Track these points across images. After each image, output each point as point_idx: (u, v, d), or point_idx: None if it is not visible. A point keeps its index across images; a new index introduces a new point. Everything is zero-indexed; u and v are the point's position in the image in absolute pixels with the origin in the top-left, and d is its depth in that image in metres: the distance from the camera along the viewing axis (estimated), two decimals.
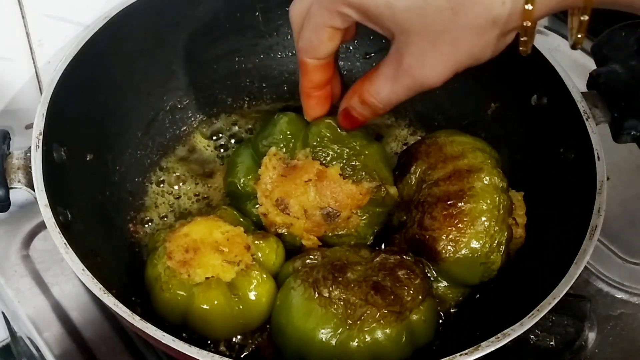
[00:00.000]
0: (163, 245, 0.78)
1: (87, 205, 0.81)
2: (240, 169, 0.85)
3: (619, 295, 0.93)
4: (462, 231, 0.77)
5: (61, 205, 0.72)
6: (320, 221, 0.81)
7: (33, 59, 0.89)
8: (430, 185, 0.81)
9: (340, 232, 0.83)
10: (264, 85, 1.02)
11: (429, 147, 0.84)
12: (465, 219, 0.77)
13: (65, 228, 0.70)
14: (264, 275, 0.77)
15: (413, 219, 0.81)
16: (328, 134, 0.81)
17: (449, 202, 0.78)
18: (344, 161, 0.81)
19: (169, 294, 0.75)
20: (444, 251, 0.77)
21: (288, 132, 0.83)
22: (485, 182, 0.78)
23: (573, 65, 1.11)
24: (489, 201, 0.77)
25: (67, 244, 0.67)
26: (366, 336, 0.71)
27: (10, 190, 0.73)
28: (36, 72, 0.91)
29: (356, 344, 0.71)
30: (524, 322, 0.66)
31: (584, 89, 0.83)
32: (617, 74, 0.81)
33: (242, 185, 0.84)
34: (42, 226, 0.94)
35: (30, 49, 0.88)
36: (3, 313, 0.99)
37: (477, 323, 0.79)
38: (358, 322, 0.71)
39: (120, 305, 0.66)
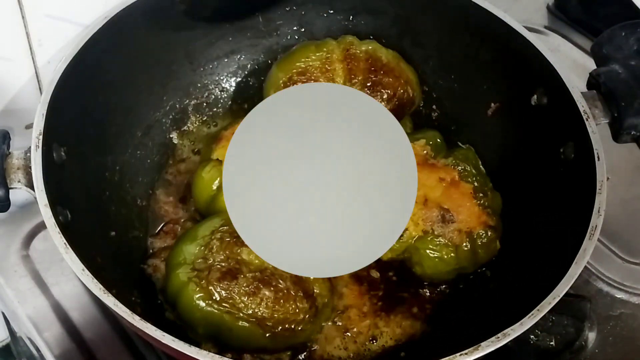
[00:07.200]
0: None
1: (87, 205, 0.80)
2: None
3: (619, 295, 0.93)
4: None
5: (61, 205, 0.72)
6: (433, 218, 0.83)
7: (33, 59, 0.89)
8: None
9: (438, 241, 0.83)
10: (264, 85, 1.02)
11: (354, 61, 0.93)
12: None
13: (65, 228, 0.70)
14: None
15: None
16: (474, 161, 0.88)
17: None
18: (478, 187, 0.85)
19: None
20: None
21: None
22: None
23: (573, 65, 1.11)
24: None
25: (67, 244, 0.67)
26: None
27: (10, 190, 0.73)
28: (36, 72, 0.91)
29: None
30: (524, 322, 0.66)
31: (584, 89, 0.83)
32: (617, 74, 0.81)
33: None
34: (42, 226, 0.94)
35: (30, 49, 0.88)
36: (3, 313, 0.98)
37: (477, 323, 0.79)
38: None
39: (120, 305, 0.65)
